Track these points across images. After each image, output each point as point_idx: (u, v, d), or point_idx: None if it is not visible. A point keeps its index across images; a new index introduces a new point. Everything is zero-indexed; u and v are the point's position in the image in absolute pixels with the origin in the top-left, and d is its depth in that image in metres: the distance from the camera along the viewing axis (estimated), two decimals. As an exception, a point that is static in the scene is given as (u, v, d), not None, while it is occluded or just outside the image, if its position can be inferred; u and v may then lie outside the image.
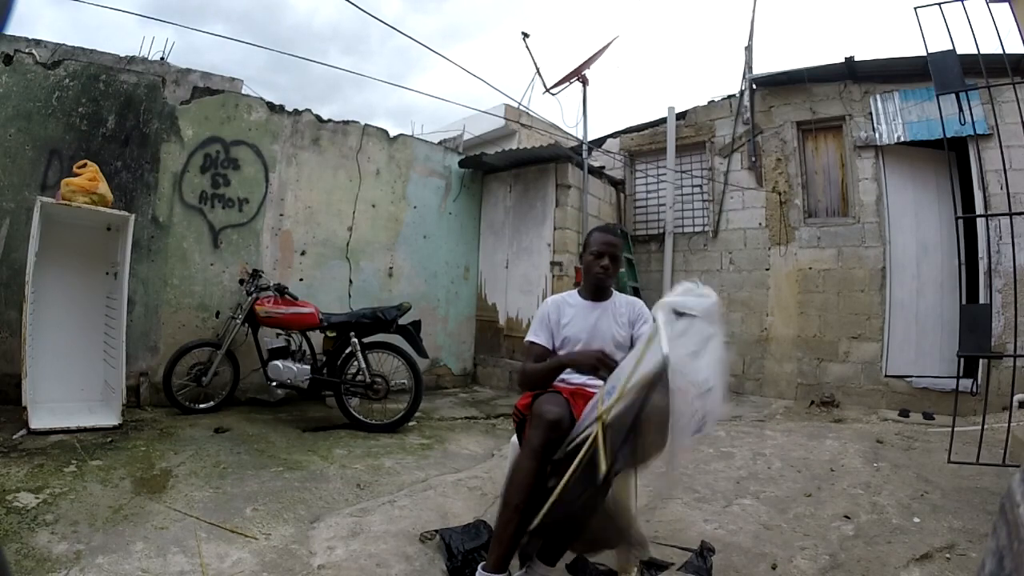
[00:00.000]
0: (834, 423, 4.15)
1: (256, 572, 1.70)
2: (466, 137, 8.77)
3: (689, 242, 5.86)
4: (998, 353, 3.71)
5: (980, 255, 4.26)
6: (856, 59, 4.75)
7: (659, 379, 1.21)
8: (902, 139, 4.69)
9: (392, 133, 5.21)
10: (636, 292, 5.67)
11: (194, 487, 2.34)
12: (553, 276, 5.18)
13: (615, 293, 2.01)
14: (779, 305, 5.24)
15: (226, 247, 4.20)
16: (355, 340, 3.69)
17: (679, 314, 1.29)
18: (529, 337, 1.96)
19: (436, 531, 2.00)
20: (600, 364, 1.59)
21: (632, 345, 1.81)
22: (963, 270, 4.42)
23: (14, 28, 3.41)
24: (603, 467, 1.29)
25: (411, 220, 5.28)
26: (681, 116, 5.98)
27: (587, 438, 1.39)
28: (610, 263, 1.92)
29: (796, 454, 3.26)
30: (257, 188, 4.35)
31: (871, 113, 4.87)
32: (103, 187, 3.22)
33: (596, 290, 1.97)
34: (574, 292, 2.06)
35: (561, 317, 1.94)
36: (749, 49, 5.57)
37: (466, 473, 2.83)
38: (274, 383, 3.69)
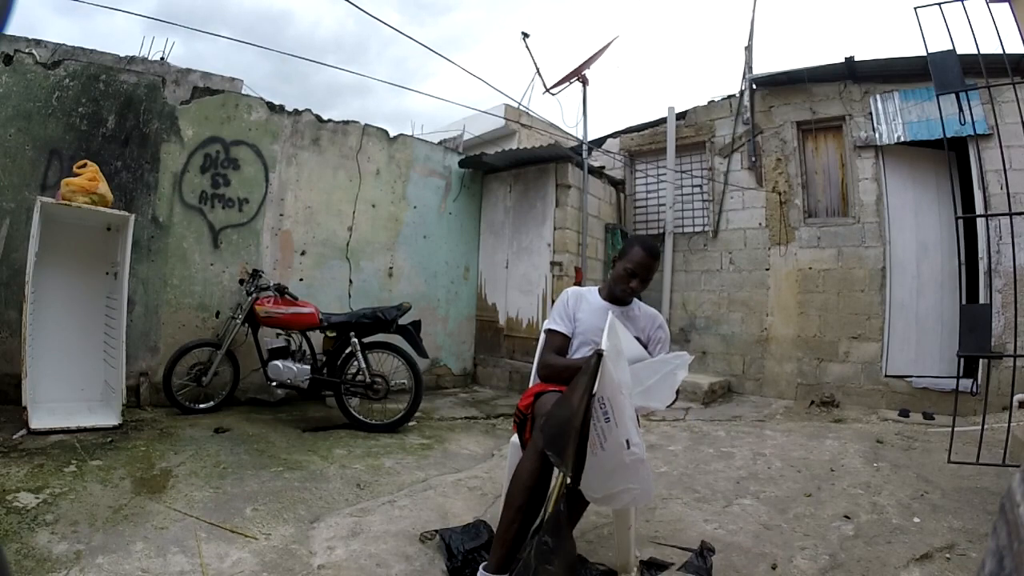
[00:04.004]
0: (834, 423, 4.15)
1: (256, 572, 1.70)
2: (466, 137, 8.77)
3: (689, 242, 5.86)
4: (998, 353, 3.71)
5: (980, 255, 4.26)
6: (856, 59, 4.75)
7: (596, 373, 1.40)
8: (902, 139, 4.69)
9: (392, 133, 5.21)
10: (636, 292, 5.67)
11: (194, 487, 2.34)
12: (553, 276, 5.18)
13: (636, 301, 2.02)
14: (779, 305, 5.24)
15: (226, 247, 4.20)
16: (355, 340, 3.69)
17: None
18: (548, 325, 1.97)
19: (436, 531, 2.00)
20: None
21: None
22: (963, 270, 4.42)
23: (14, 29, 3.40)
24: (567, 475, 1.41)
25: (411, 220, 5.28)
26: (681, 116, 5.98)
27: None
28: (639, 285, 1.91)
29: (796, 454, 3.26)
30: (257, 188, 4.35)
31: (871, 113, 4.87)
32: (103, 187, 3.22)
33: (616, 298, 1.98)
34: (594, 289, 2.07)
35: (577, 310, 1.96)
36: (749, 49, 5.57)
37: (466, 473, 2.83)
38: (274, 383, 3.69)
